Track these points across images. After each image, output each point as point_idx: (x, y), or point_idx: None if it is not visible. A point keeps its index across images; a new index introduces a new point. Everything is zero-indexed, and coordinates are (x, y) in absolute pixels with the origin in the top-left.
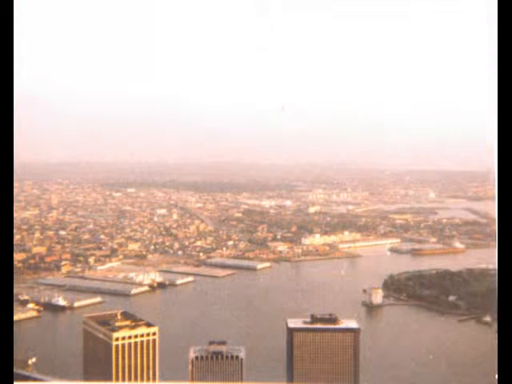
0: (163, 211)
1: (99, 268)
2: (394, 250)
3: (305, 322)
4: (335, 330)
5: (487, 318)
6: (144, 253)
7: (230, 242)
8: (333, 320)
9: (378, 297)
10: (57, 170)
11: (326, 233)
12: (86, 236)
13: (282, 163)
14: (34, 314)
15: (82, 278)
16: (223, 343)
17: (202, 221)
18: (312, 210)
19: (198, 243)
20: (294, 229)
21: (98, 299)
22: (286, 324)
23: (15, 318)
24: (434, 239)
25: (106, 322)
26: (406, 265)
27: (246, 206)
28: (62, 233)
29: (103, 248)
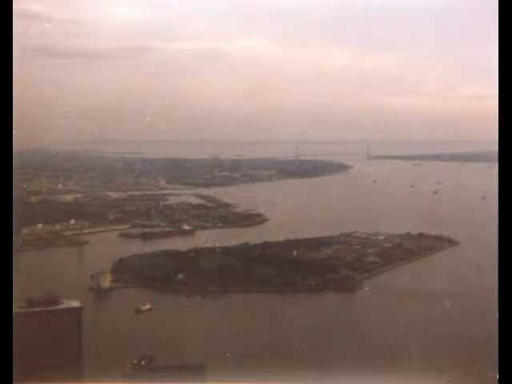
0: None
1: None
2: (124, 235)
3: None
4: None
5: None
6: None
7: None
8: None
9: (106, 281)
10: None
11: (50, 222)
12: None
13: None
14: None
15: None
16: None
17: None
18: (34, 199)
19: None
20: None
21: None
22: None
23: None
24: (164, 223)
25: None
26: (136, 249)
27: None
28: None
29: None
